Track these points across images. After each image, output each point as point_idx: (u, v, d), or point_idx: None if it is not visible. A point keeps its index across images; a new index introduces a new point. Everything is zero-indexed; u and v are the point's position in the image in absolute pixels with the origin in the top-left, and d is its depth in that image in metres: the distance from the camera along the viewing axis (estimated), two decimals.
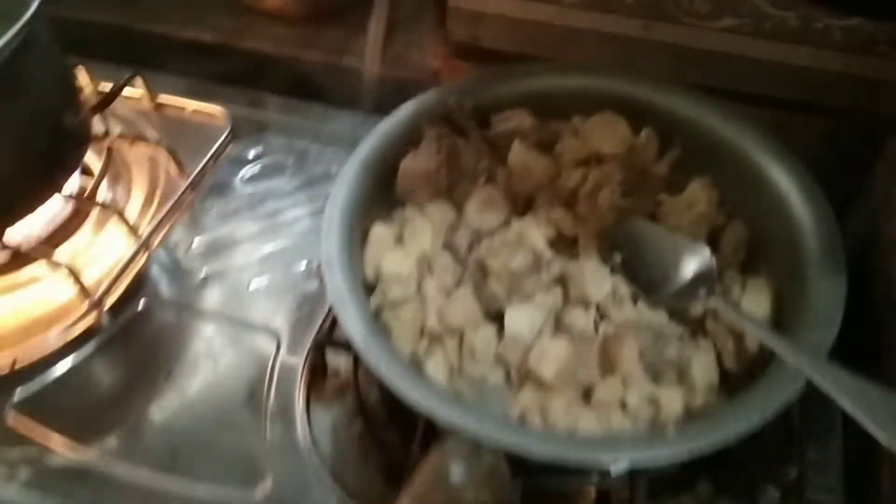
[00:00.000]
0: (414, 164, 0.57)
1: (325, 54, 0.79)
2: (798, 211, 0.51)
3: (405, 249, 0.53)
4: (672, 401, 0.46)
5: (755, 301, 0.50)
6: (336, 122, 0.74)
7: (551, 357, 0.47)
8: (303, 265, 0.63)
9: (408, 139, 0.58)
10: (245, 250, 0.64)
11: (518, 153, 0.57)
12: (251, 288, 0.61)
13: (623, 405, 0.46)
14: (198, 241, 0.65)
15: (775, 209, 0.53)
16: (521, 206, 0.56)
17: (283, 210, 0.67)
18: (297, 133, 0.73)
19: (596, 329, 0.49)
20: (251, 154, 0.71)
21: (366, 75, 0.77)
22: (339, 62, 0.78)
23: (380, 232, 0.54)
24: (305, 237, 0.64)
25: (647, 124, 0.58)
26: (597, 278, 0.50)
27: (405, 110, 0.58)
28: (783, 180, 0.53)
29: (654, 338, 0.48)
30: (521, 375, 0.49)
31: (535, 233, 0.53)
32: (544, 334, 0.49)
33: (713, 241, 0.53)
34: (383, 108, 0.59)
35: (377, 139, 0.57)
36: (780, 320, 0.49)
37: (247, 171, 0.70)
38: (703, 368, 0.47)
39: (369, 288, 0.52)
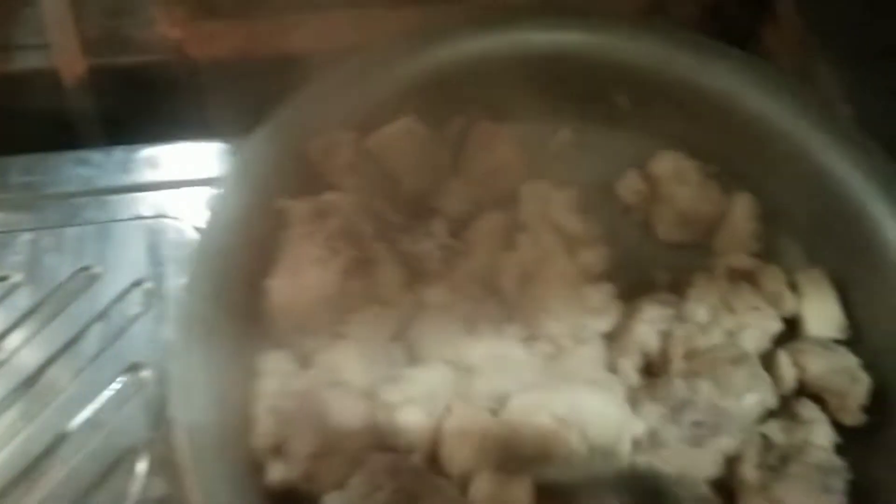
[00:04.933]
0: (299, 287, 0.33)
1: None
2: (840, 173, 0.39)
3: None
4: None
5: (818, 306, 0.38)
6: (58, 178, 0.45)
7: None
8: None
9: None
10: None
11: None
12: None
13: None
14: None
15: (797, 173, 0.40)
16: None
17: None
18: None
19: None
20: None
21: (65, 78, 0.48)
22: (6, 67, 0.49)
23: None
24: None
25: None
26: None
27: (237, 174, 0.37)
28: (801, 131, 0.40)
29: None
30: None
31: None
32: None
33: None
34: (121, 128, 0.41)
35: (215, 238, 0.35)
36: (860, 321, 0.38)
37: None
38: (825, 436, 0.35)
39: None
